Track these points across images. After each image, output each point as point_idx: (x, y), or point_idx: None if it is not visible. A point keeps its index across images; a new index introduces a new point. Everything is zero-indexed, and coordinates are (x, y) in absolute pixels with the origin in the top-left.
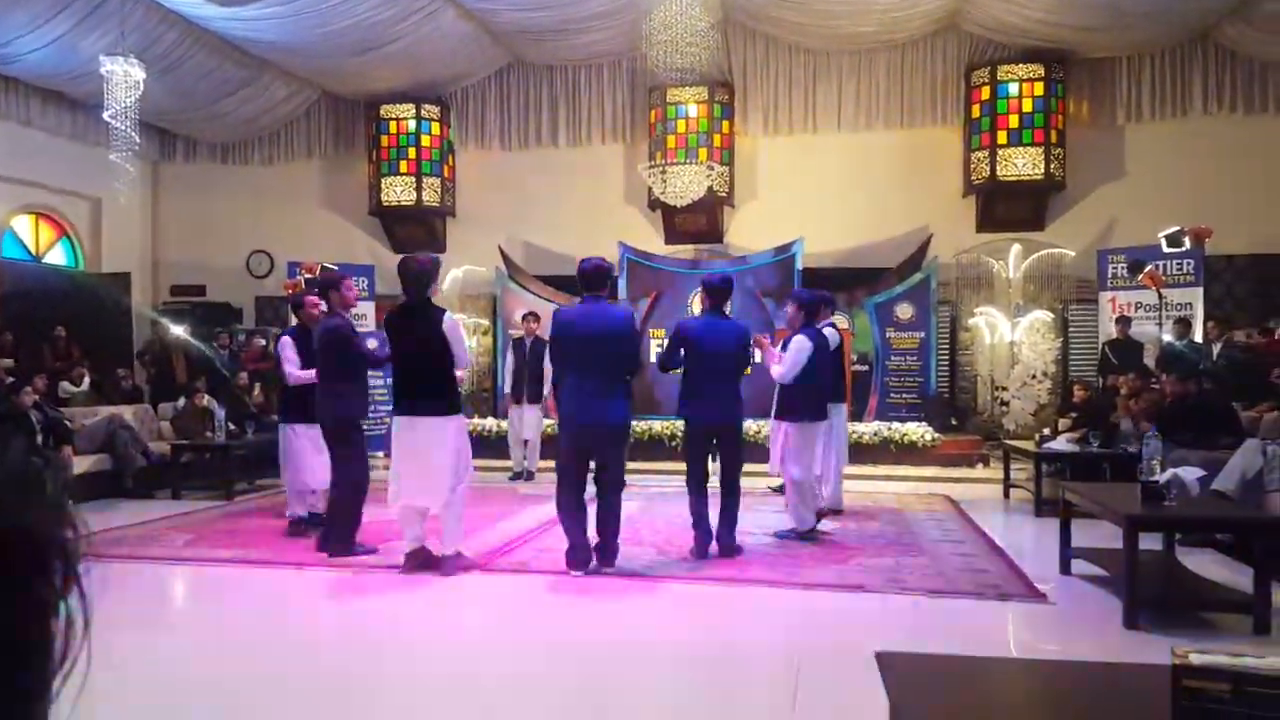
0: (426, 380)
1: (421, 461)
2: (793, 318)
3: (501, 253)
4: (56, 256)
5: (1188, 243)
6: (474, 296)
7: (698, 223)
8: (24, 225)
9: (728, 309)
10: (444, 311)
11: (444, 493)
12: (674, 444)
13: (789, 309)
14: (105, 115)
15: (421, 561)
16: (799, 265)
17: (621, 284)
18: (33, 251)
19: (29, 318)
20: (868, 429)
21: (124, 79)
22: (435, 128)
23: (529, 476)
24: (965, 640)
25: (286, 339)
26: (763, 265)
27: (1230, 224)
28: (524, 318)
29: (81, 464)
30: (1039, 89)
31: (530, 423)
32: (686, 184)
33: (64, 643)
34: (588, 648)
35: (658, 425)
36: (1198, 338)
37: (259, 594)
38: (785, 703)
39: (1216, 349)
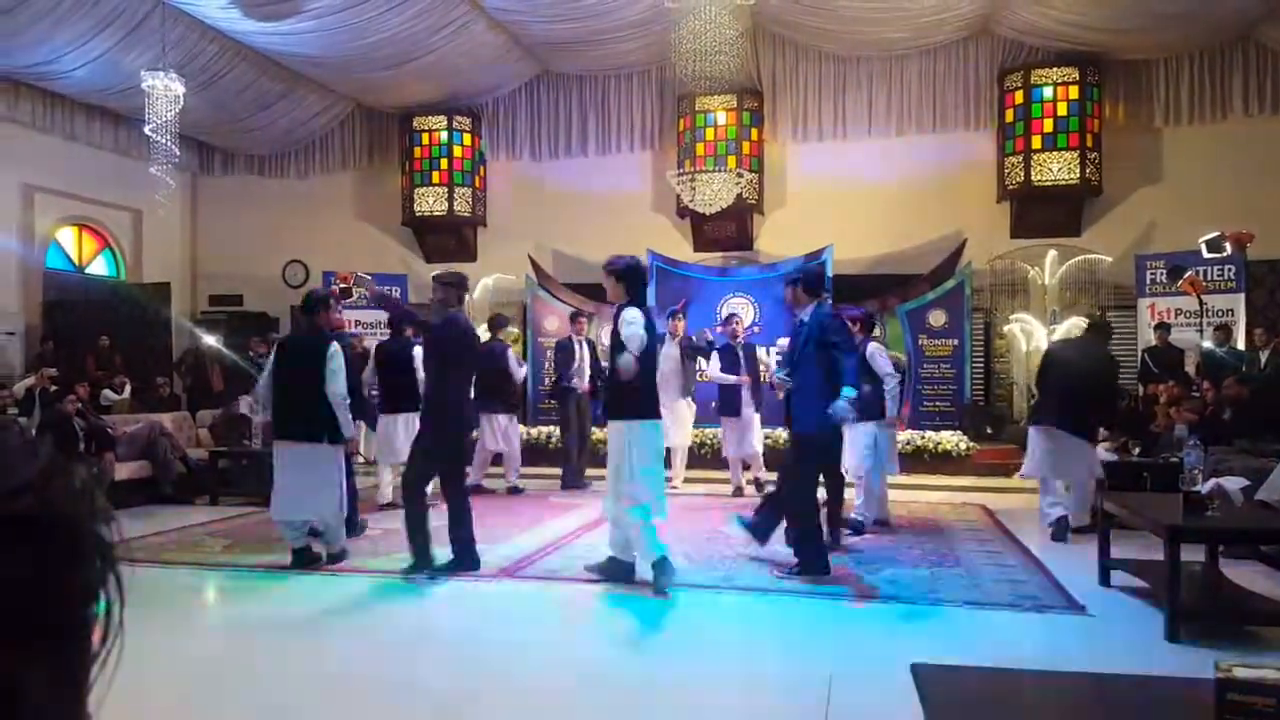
0: None
1: None
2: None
3: (531, 261)
4: (99, 267)
5: (1228, 248)
6: (504, 305)
7: (727, 230)
8: (68, 237)
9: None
10: None
11: None
12: (704, 453)
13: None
14: (146, 129)
15: None
16: (829, 272)
17: (651, 291)
18: (76, 262)
19: (73, 327)
20: (901, 437)
21: (165, 93)
22: (467, 138)
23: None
24: (1002, 653)
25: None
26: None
27: (1273, 228)
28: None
29: (122, 470)
30: (1074, 92)
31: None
32: (715, 191)
33: (103, 633)
34: (614, 658)
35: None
36: (1239, 344)
37: (295, 599)
38: (818, 716)
39: (1265, 356)
